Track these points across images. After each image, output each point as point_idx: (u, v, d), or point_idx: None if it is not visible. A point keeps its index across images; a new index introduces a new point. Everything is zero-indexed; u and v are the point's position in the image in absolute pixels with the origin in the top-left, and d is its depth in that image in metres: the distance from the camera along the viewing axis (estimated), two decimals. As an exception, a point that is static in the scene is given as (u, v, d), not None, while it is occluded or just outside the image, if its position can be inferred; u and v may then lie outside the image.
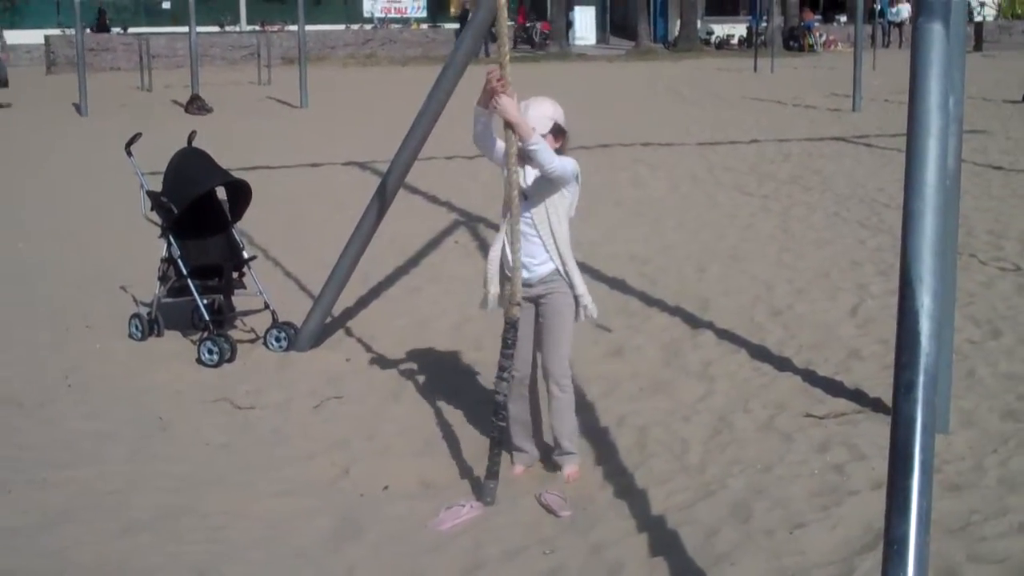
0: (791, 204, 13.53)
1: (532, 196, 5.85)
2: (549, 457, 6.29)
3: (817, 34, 49.95)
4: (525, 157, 5.68)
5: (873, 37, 41.87)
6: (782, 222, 12.52)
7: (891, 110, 23.37)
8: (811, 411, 6.82)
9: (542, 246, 5.88)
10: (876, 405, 6.81)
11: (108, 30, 42.45)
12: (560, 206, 5.89)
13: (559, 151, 5.84)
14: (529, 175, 5.84)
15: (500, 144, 5.84)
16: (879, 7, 48.80)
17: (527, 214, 5.83)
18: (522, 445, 6.26)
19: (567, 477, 6.11)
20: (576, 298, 5.96)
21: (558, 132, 5.90)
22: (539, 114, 5.82)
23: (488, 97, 5.62)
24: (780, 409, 6.89)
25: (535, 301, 5.98)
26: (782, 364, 7.77)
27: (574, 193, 5.96)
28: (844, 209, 13.09)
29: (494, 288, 5.97)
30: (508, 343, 5.81)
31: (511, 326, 5.79)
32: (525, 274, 5.85)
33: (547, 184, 5.81)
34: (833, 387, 7.25)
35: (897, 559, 3.41)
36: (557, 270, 5.92)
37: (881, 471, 4.71)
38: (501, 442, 5.92)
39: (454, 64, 7.67)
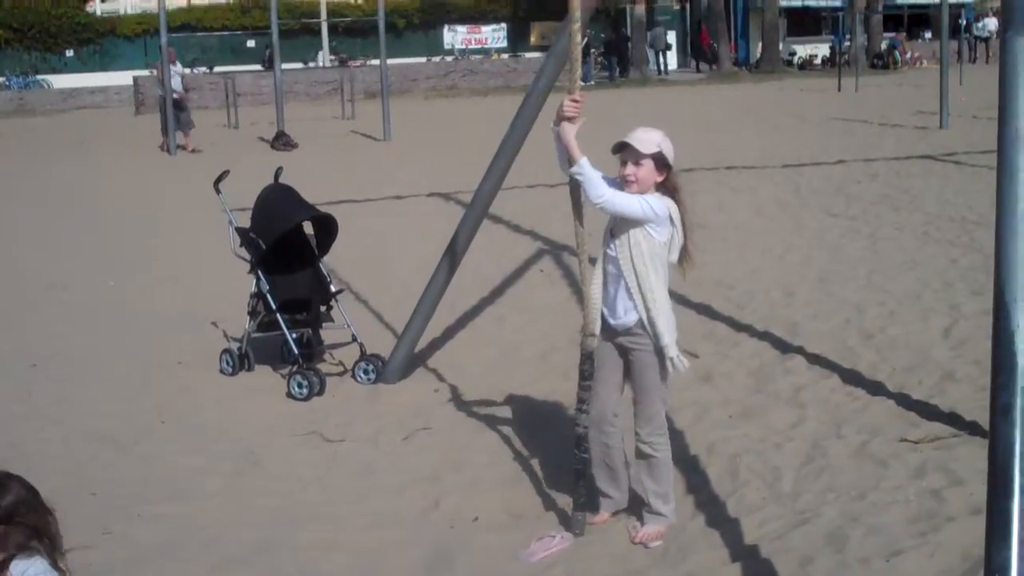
0: (879, 225, 13.35)
1: (618, 234, 5.60)
2: (637, 506, 5.99)
3: (903, 52, 49.39)
4: (576, 187, 5.55)
5: (959, 53, 41.28)
6: (871, 243, 12.35)
7: (980, 126, 22.99)
8: (906, 436, 6.70)
9: (626, 292, 5.59)
10: (973, 428, 6.67)
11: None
12: (644, 248, 5.53)
13: (663, 184, 5.61)
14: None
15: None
16: (964, 22, 48.17)
17: (612, 253, 5.62)
18: (606, 490, 5.99)
19: (643, 535, 5.74)
20: (661, 350, 5.63)
21: (661, 164, 5.59)
22: (646, 136, 5.58)
23: (559, 120, 5.56)
24: (874, 434, 6.77)
25: (622, 350, 5.75)
26: (875, 388, 7.64)
27: (668, 236, 5.59)
28: (934, 228, 12.88)
29: (597, 330, 5.73)
30: (585, 375, 5.70)
31: (586, 357, 5.70)
32: (611, 321, 5.68)
33: (627, 222, 5.55)
34: (928, 411, 7.11)
35: (999, 587, 3.33)
36: (641, 321, 5.61)
37: (979, 496, 4.62)
38: (585, 473, 5.86)
39: (536, 93, 7.68)
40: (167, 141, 25.24)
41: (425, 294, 8.39)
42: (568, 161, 5.54)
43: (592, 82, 42.94)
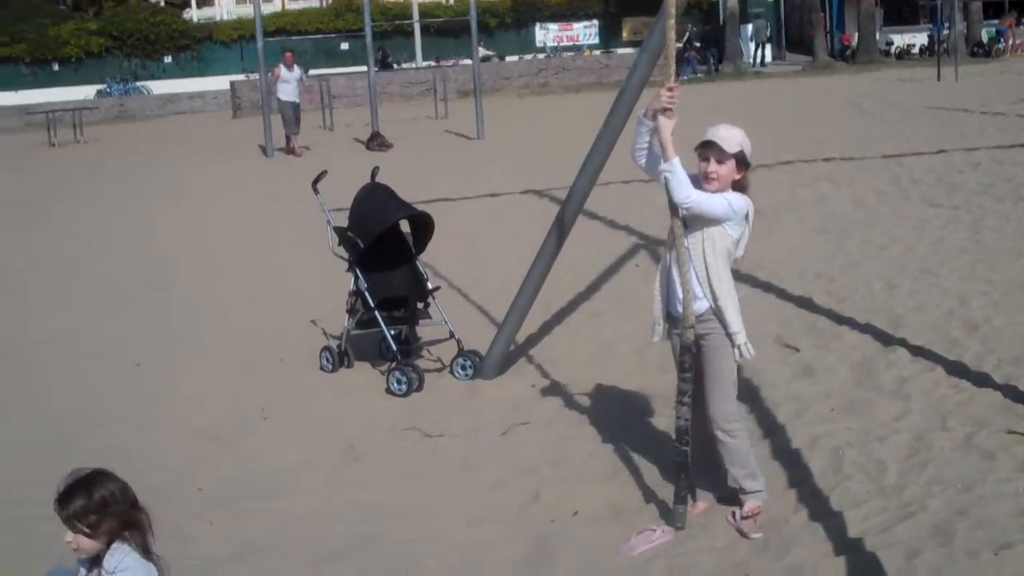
0: (983, 214, 13.08)
1: (691, 226, 5.66)
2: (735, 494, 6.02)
3: (1008, 39, 48.35)
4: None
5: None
6: (974, 233, 12.10)
7: (1086, 113, 22.45)
8: (1013, 428, 6.55)
9: (696, 281, 5.65)
10: (1082, 419, 6.51)
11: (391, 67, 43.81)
12: (719, 242, 5.63)
13: (739, 183, 5.66)
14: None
15: (650, 160, 5.72)
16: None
17: (685, 244, 5.65)
18: (704, 482, 6.07)
19: (746, 512, 5.82)
20: (731, 337, 5.69)
21: (742, 163, 5.64)
22: (729, 135, 5.63)
23: (654, 112, 5.55)
24: (980, 426, 6.64)
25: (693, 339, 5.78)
26: (981, 380, 7.49)
27: (742, 232, 5.70)
28: (1040, 218, 12.60)
29: (661, 318, 5.88)
30: (685, 367, 5.71)
31: (686, 349, 5.69)
32: (680, 309, 5.72)
33: (704, 218, 5.60)
34: (1036, 402, 6.96)
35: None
36: (710, 308, 5.68)
37: (1093, 488, 4.50)
38: (686, 466, 5.84)
39: (629, 88, 7.64)
40: (293, 142, 25.49)
41: (521, 290, 8.40)
42: (662, 157, 5.54)
43: (686, 77, 42.70)
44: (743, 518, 5.80)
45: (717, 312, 5.68)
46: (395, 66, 44.38)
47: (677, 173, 5.50)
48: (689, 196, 5.50)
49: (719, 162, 5.58)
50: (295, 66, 26.34)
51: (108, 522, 3.87)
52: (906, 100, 28.92)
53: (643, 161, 5.76)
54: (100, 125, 35.88)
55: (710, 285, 5.64)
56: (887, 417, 7.01)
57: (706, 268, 5.63)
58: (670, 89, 5.50)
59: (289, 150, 25.39)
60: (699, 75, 42.36)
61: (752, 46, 48.65)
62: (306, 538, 6.03)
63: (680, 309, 5.70)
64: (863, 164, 17.92)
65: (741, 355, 5.75)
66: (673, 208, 5.64)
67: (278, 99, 25.80)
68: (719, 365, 5.76)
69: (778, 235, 12.63)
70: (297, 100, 26.07)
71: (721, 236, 5.64)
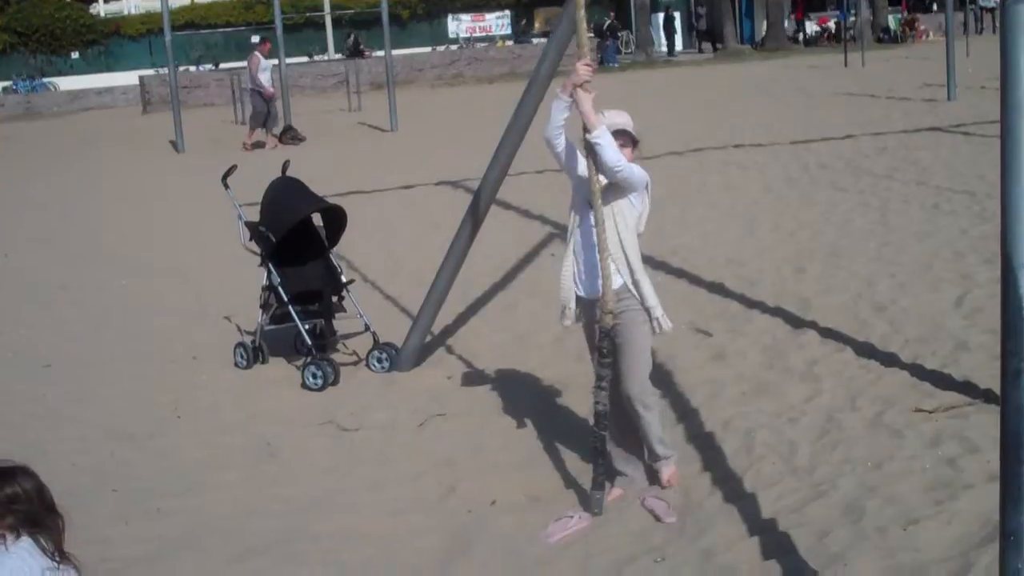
0: (889, 198, 13.31)
1: (602, 204, 5.74)
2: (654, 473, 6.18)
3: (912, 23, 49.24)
4: (591, 153, 5.64)
5: (965, 24, 41.06)
6: (881, 216, 12.32)
7: (988, 97, 22.87)
8: (920, 406, 6.69)
9: (610, 258, 5.75)
10: (987, 396, 6.66)
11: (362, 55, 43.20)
12: (628, 217, 5.80)
13: (633, 161, 5.80)
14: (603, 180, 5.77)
15: (565, 143, 5.84)
16: (970, -7, 47.95)
17: (591, 223, 5.75)
18: (621, 468, 6.16)
19: (666, 481, 6.02)
20: (648, 311, 5.84)
21: (631, 142, 5.85)
22: (616, 120, 5.83)
23: (572, 87, 5.64)
24: (888, 405, 6.78)
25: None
26: (888, 360, 7.64)
27: (644, 206, 5.87)
28: (944, 200, 12.84)
29: (571, 303, 5.95)
30: (604, 352, 5.78)
31: (605, 335, 5.76)
32: (587, 293, 5.83)
33: (614, 191, 5.74)
34: (942, 380, 7.10)
35: (1014, 550, 3.35)
36: (626, 285, 5.80)
37: (996, 463, 4.59)
38: (604, 452, 5.90)
39: (539, 78, 7.68)
40: (253, 135, 24.79)
41: (436, 281, 8.41)
42: (584, 128, 5.64)
43: (617, 64, 42.94)
44: (665, 485, 5.96)
45: (634, 286, 5.80)
46: (367, 53, 43.93)
47: (606, 138, 5.60)
48: (621, 160, 5.61)
49: (620, 146, 5.73)
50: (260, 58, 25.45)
51: (12, 517, 3.86)
52: (814, 86, 29.32)
53: (560, 139, 5.84)
54: (6, 123, 35.25)
55: (626, 260, 5.76)
56: (798, 399, 7.13)
57: (620, 243, 5.75)
58: (587, 64, 5.63)
59: (263, 143, 24.74)
60: (616, 65, 42.57)
61: (663, 35, 49.05)
62: (224, 534, 6.00)
63: (591, 291, 5.80)
64: (772, 150, 18.15)
65: (660, 328, 5.87)
66: (587, 186, 5.70)
67: (253, 91, 24.94)
68: (635, 341, 5.86)
69: (690, 221, 12.76)
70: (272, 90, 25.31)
71: (629, 209, 5.80)
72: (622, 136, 5.76)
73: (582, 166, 5.82)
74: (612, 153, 5.59)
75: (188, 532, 6.05)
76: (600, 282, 5.72)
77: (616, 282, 5.75)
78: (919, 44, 46.28)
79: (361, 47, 44.04)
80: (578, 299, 5.94)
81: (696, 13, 51.22)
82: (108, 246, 14.63)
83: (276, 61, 26.17)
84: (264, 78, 24.91)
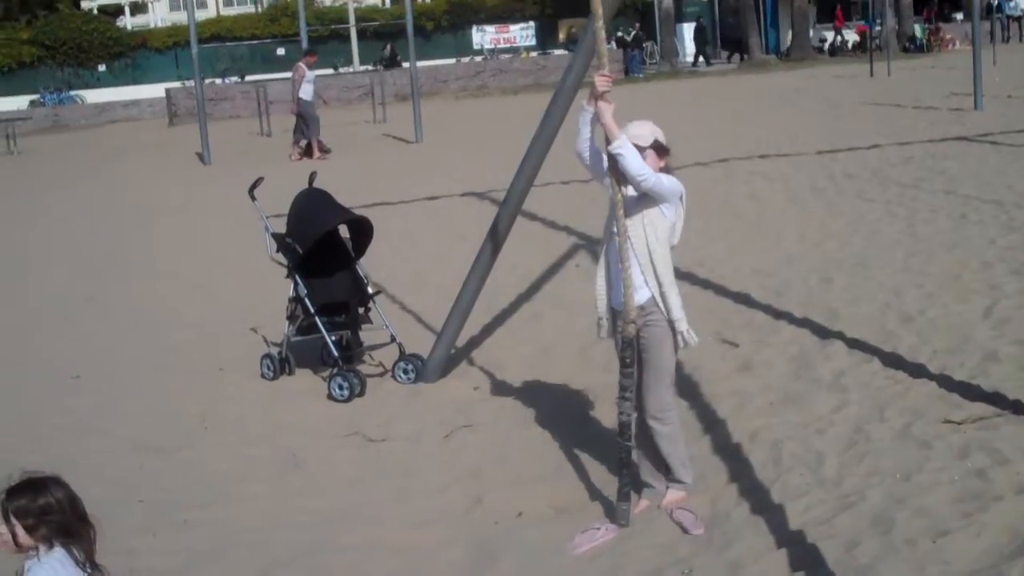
0: (916, 208, 13.25)
1: (630, 213, 5.75)
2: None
3: (934, 32, 49.04)
4: (613, 164, 5.65)
5: (992, 33, 40.83)
6: (908, 226, 12.26)
7: (1015, 106, 22.79)
8: (949, 417, 6.65)
9: (639, 269, 5.73)
10: (1016, 408, 6.62)
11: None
12: (659, 227, 5.76)
13: (664, 170, 5.80)
14: (629, 193, 5.77)
15: (600, 155, 5.84)
16: (996, 2, 47.73)
17: (627, 232, 5.72)
18: (647, 479, 6.14)
19: (665, 503, 5.97)
20: (672, 324, 5.79)
21: (660, 150, 5.83)
22: (638, 132, 5.79)
23: (594, 99, 5.66)
24: (917, 416, 6.73)
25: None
26: (916, 371, 7.59)
27: (677, 216, 5.83)
28: (971, 210, 12.77)
29: (604, 314, 5.95)
30: (626, 362, 5.76)
31: (627, 344, 5.74)
32: (617, 304, 5.80)
33: (645, 200, 5.73)
34: (970, 391, 7.06)
35: (1047, 564, 3.31)
36: (653, 298, 5.76)
37: (1026, 475, 4.58)
38: (629, 463, 5.88)
39: (564, 89, 7.69)
40: (298, 149, 24.83)
41: (462, 293, 8.41)
42: (607, 140, 5.65)
43: (642, 75, 42.96)
44: (659, 507, 5.94)
45: (661, 299, 5.75)
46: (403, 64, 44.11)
47: (628, 149, 5.60)
48: (645, 169, 5.59)
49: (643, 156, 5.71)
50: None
51: (45, 528, 3.89)
52: (840, 96, 29.22)
53: (587, 153, 5.86)
54: (34, 136, 35.42)
55: (655, 272, 5.72)
56: (825, 410, 7.09)
57: (649, 254, 5.72)
58: (605, 76, 5.64)
59: (314, 153, 24.70)
60: (641, 76, 42.61)
61: (691, 46, 49.06)
62: (251, 547, 6.01)
63: (617, 302, 5.79)
64: (798, 160, 18.09)
65: (685, 342, 5.84)
66: (615, 202, 5.70)
67: (301, 99, 24.74)
68: (659, 355, 5.84)
69: (716, 232, 12.72)
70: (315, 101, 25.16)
71: (660, 220, 5.76)
72: (652, 147, 5.76)
73: None
74: (635, 163, 5.58)
75: (214, 544, 6.06)
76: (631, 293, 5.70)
77: (643, 295, 5.74)
78: (945, 53, 46.06)
79: (398, 57, 44.19)
80: (611, 310, 5.92)
81: (727, 23, 51.19)
82: (134, 258, 14.70)
83: (319, 72, 26.00)
84: (307, 90, 24.86)
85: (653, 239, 5.73)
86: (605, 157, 5.77)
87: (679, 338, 5.82)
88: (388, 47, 45.13)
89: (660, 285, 5.74)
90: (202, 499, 6.71)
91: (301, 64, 25.37)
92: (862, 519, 5.45)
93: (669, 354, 5.87)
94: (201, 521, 6.36)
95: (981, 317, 8.66)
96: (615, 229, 5.75)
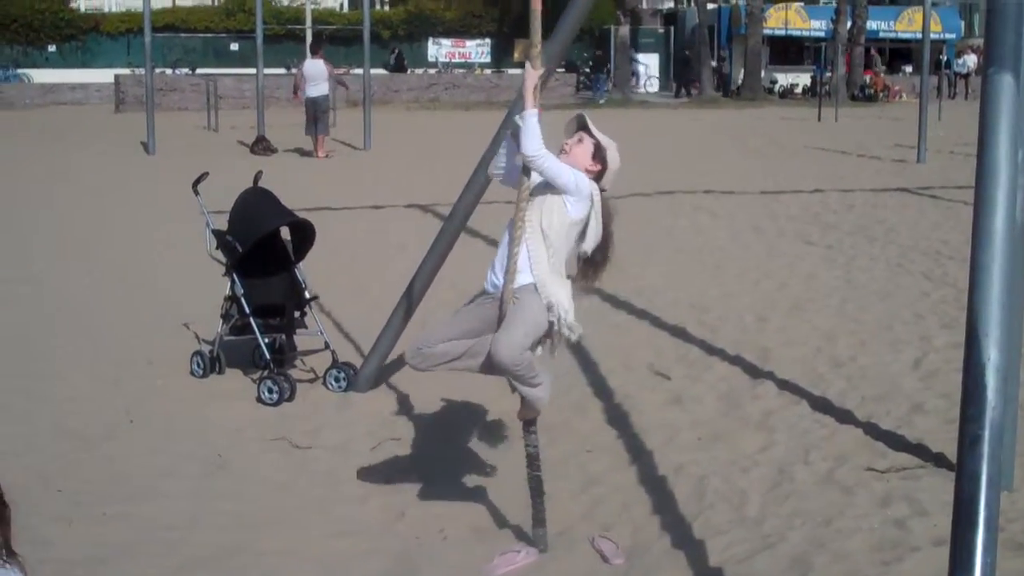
0: (854, 255, 13.42)
1: (532, 197, 5.43)
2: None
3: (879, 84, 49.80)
4: (516, 136, 5.41)
5: (939, 88, 41.56)
6: (845, 273, 12.41)
7: (956, 162, 23.17)
8: (873, 465, 6.72)
9: (526, 255, 5.38)
10: (939, 460, 6.69)
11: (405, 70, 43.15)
12: (557, 218, 5.39)
13: (597, 179, 5.57)
14: (534, 179, 5.45)
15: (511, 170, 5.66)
16: (945, 58, 48.56)
17: (521, 214, 5.43)
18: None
19: (519, 414, 5.76)
20: (549, 308, 5.35)
21: (599, 157, 5.57)
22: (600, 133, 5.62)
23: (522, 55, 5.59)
24: (841, 462, 6.80)
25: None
26: (844, 416, 7.67)
27: (584, 216, 5.45)
28: (908, 261, 12.96)
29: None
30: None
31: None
32: (496, 286, 5.48)
33: (548, 187, 5.39)
34: (895, 441, 7.14)
35: (960, 618, 3.35)
36: (532, 285, 5.37)
37: (944, 527, 4.63)
38: (541, 492, 5.85)
39: (518, 108, 7.69)
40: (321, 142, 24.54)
41: (399, 305, 8.39)
42: (522, 107, 5.44)
43: (603, 100, 43.23)
44: (519, 417, 5.74)
45: (540, 286, 5.36)
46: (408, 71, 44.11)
47: (532, 124, 5.29)
48: (539, 148, 5.27)
49: (579, 141, 5.61)
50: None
51: None
52: (787, 138, 29.57)
53: (500, 175, 5.76)
54: (-25, 111, 34.94)
55: (545, 259, 5.37)
56: (752, 448, 7.14)
57: (543, 240, 5.38)
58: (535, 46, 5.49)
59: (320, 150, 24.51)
60: (603, 102, 42.89)
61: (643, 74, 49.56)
62: (168, 544, 5.94)
63: (497, 285, 5.49)
64: (742, 198, 18.27)
65: (560, 328, 5.41)
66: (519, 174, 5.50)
67: (308, 96, 24.47)
68: (521, 312, 5.34)
69: (655, 263, 12.80)
70: (327, 93, 24.92)
71: (560, 212, 5.39)
72: (581, 130, 5.61)
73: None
74: (531, 139, 5.26)
75: (132, 539, 5.98)
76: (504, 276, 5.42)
77: (524, 279, 5.39)
78: (892, 104, 46.78)
79: (405, 63, 44.18)
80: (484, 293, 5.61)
81: (680, 57, 51.66)
82: (71, 244, 14.51)
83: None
84: (323, 87, 24.49)
85: (548, 226, 5.38)
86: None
87: (554, 321, 5.38)
88: (396, 51, 45.17)
89: (541, 273, 5.36)
90: (122, 493, 6.62)
91: (309, 58, 25.16)
92: (781, 560, 5.48)
93: (532, 315, 5.33)
94: (120, 515, 6.28)
95: (910, 368, 8.77)
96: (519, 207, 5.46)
